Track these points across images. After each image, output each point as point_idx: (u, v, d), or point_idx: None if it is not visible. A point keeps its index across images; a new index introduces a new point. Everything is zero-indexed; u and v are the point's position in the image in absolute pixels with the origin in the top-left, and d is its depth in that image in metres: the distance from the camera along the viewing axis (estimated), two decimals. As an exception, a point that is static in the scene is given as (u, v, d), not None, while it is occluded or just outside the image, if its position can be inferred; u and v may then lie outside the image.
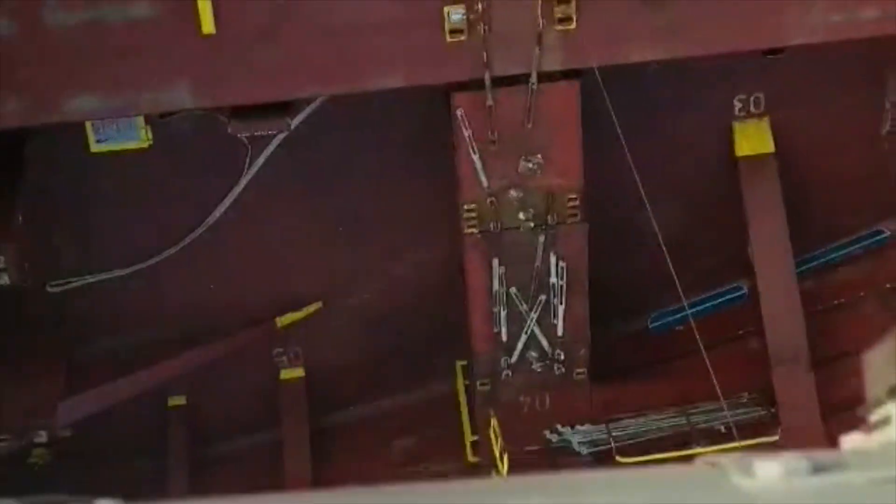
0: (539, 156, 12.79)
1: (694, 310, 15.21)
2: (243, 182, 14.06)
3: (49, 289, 14.43)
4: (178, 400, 15.07)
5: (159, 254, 14.39)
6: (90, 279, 14.44)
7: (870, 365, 12.09)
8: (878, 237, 15.34)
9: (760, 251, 14.49)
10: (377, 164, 14.10)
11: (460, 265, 14.05)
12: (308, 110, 13.32)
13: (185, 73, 11.90)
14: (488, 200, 13.08)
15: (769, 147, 14.40)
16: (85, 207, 14.06)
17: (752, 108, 14.39)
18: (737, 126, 14.40)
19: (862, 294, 15.18)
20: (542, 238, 13.28)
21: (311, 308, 14.88)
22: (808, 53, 13.53)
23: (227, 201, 14.16)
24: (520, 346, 13.91)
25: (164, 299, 14.63)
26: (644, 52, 12.28)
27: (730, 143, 14.38)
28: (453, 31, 11.88)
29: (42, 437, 13.59)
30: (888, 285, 15.11)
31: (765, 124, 14.44)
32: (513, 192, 12.92)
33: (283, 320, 14.85)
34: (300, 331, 14.96)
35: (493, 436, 13.99)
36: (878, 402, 5.79)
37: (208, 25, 11.59)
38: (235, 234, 14.36)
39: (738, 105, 14.35)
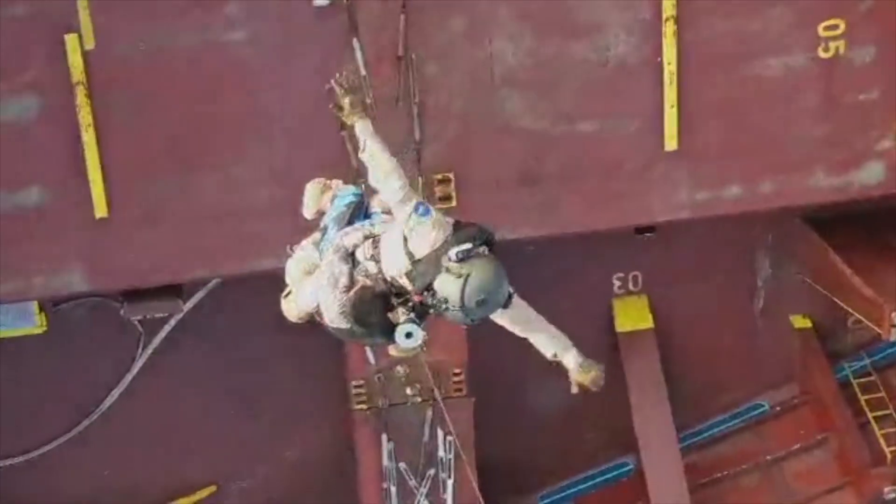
0: (424, 333, 13.13)
1: (582, 485, 15.56)
2: (136, 367, 14.27)
3: (-60, 479, 14.45)
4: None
5: (52, 441, 14.48)
6: (-21, 468, 14.50)
7: None
8: (757, 410, 15.82)
9: (643, 426, 14.89)
10: (268, 344, 14.39)
11: (349, 443, 14.30)
12: (202, 293, 13.67)
13: (78, 257, 12.21)
14: (376, 377, 13.42)
15: (648, 322, 14.92)
16: (-23, 394, 14.18)
17: (630, 286, 14.95)
18: (616, 303, 14.93)
19: (744, 466, 15.58)
20: (429, 413, 13.61)
21: (205, 492, 14.99)
22: (681, 232, 14.17)
23: (121, 387, 14.34)
24: (411, 522, 14.12)
25: (57, 487, 14.64)
26: (521, 229, 12.78)
27: (610, 319, 14.89)
28: (338, 212, 12.33)
29: None
30: (768, 457, 15.55)
31: (643, 301, 14.98)
32: (399, 369, 13.26)
33: (177, 505, 14.96)
34: (194, 515, 15.05)
35: None
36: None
37: (102, 209, 11.96)
38: (129, 419, 14.48)
39: (617, 283, 14.91)
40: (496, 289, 6.94)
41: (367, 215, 7.81)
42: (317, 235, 7.91)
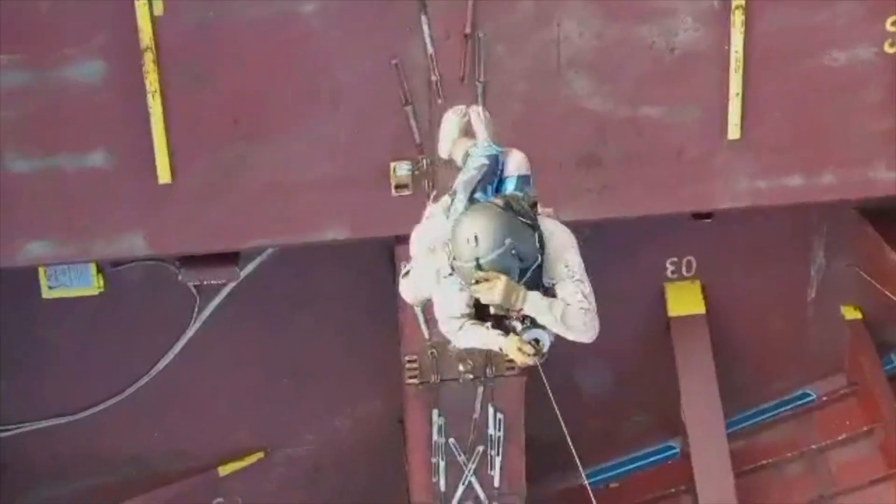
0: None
1: (627, 467, 15.63)
2: (190, 332, 14.42)
3: (-6, 434, 14.66)
4: (118, 547, 15.21)
5: (105, 401, 14.65)
6: (34, 426, 14.65)
7: None
8: (804, 399, 15.85)
9: (692, 410, 14.93)
10: (321, 315, 14.52)
11: (400, 417, 14.42)
12: (258, 260, 13.78)
13: (139, 221, 12.33)
14: (429, 352, 13.50)
15: (701, 308, 14.95)
16: (33, 353, 14.34)
17: (683, 271, 14.98)
18: (669, 287, 14.96)
19: (789, 455, 15.62)
20: (480, 390, 13.69)
21: (253, 457, 15.14)
22: (737, 219, 14.20)
23: (175, 350, 14.49)
24: (457, 496, 14.20)
25: (107, 447, 14.81)
26: (580, 211, 12.84)
27: (662, 303, 14.93)
28: (399, 186, 12.43)
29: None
30: (813, 447, 15.58)
31: (696, 286, 15.00)
32: (453, 345, 13.31)
33: (224, 469, 15.09)
34: (241, 480, 15.18)
35: (430, 586, 14.21)
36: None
37: (165, 175, 12.06)
38: (180, 383, 14.64)
39: (670, 267, 14.93)
40: (494, 230, 6.78)
41: (500, 181, 7.39)
42: (447, 200, 7.46)
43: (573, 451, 8.38)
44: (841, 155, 12.87)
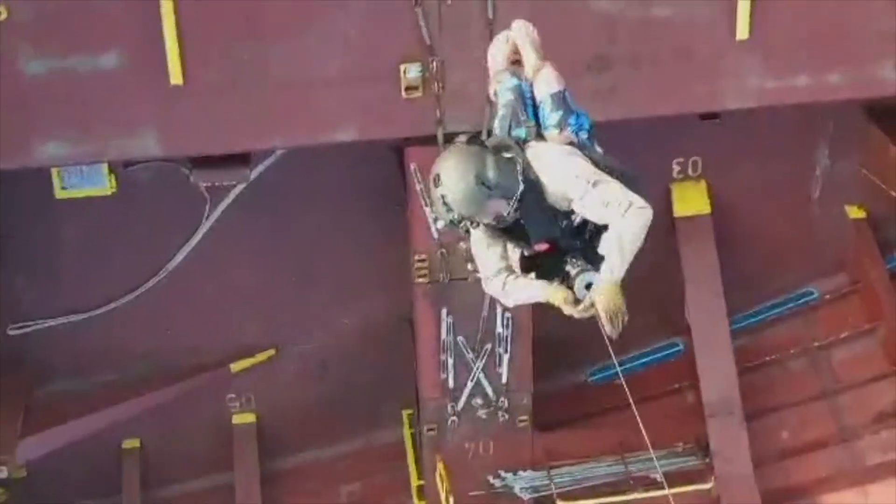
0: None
1: (631, 364, 15.86)
2: (202, 231, 14.56)
3: (9, 331, 14.83)
4: (132, 442, 15.46)
5: (118, 299, 14.84)
6: (50, 322, 14.85)
7: None
8: (808, 297, 16.03)
9: (696, 309, 15.11)
10: (330, 215, 14.66)
11: (408, 315, 14.60)
12: (268, 162, 13.87)
13: (152, 122, 12.40)
14: (439, 252, 13.64)
15: (706, 208, 15.07)
16: (48, 252, 14.50)
17: (689, 171, 15.09)
18: (675, 187, 15.08)
19: (792, 352, 15.84)
20: (489, 288, 13.82)
21: (264, 355, 15.36)
22: (743, 120, 14.26)
23: (186, 249, 14.65)
24: (466, 393, 14.43)
25: (121, 343, 15.04)
26: (591, 113, 12.85)
27: (668, 203, 15.05)
28: (409, 88, 12.49)
29: (3, 472, 13.90)
30: (816, 344, 15.80)
31: (702, 186, 15.12)
32: (462, 245, 13.44)
33: (236, 366, 15.32)
34: (253, 376, 15.42)
35: (439, 480, 14.47)
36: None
37: (177, 77, 12.12)
38: (192, 282, 14.82)
39: (676, 168, 15.03)
40: (455, 165, 6.43)
41: (535, 106, 6.97)
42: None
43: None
44: (848, 54, 12.92)
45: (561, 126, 7.02)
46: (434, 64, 12.46)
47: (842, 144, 15.18)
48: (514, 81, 7.13)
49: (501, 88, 7.15)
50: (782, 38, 12.78)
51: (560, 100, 7.07)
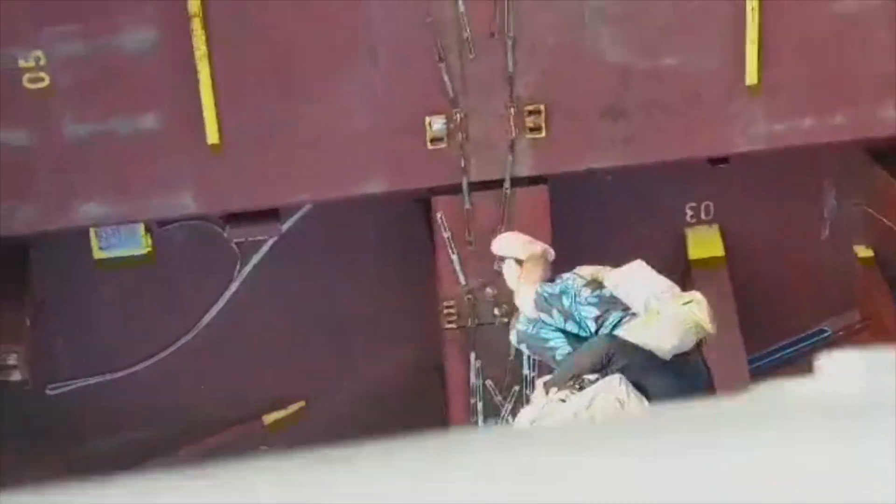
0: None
1: (653, 405, 16.24)
2: (234, 286, 15.05)
3: (48, 392, 15.25)
4: (169, 496, 15.79)
5: (152, 357, 15.28)
6: (86, 382, 15.27)
7: None
8: (822, 335, 16.45)
9: (715, 350, 15.46)
10: (358, 267, 15.14)
11: (435, 364, 15.04)
12: (298, 215, 14.40)
13: (189, 180, 12.96)
14: (466, 298, 14.13)
15: (720, 251, 15.55)
16: (85, 313, 14.96)
17: (702, 216, 15.59)
18: (689, 232, 15.58)
19: (809, 389, 16.21)
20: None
21: (295, 406, 15.77)
22: (752, 163, 14.79)
23: (219, 305, 15.12)
24: (494, 435, 14.81)
25: (156, 400, 15.43)
26: (605, 160, 13.46)
27: (683, 248, 15.54)
28: (434, 140, 13.06)
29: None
30: (832, 380, 16.17)
31: (715, 230, 15.60)
32: (489, 290, 13.93)
33: (269, 418, 15.73)
34: (284, 428, 15.81)
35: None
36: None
37: (214, 136, 12.68)
38: (224, 337, 15.27)
39: (689, 212, 15.54)
40: None
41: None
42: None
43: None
44: (851, 96, 13.49)
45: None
46: (457, 116, 13.03)
47: (848, 185, 15.65)
48: (528, 320, 8.67)
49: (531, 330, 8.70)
50: (788, 83, 13.36)
51: (553, 298, 8.78)
